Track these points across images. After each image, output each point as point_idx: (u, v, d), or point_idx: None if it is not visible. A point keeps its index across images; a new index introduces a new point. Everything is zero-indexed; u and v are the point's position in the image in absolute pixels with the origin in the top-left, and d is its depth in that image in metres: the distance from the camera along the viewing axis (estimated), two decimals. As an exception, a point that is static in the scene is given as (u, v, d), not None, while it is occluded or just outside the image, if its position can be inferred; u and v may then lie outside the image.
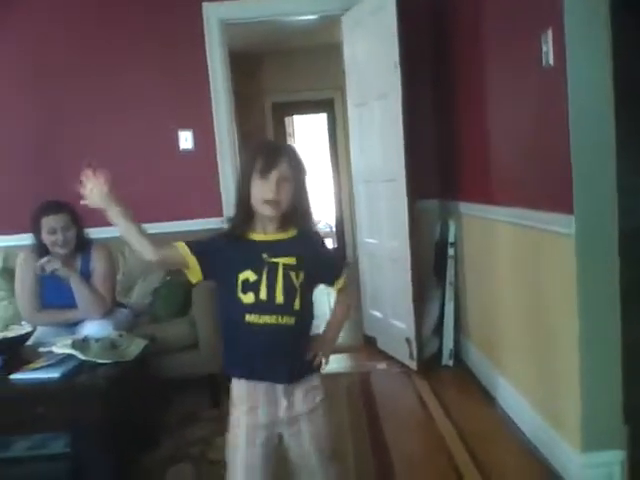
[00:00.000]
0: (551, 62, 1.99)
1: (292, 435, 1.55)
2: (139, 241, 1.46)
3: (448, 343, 3.43)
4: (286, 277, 1.47)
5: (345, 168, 6.83)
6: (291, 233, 1.53)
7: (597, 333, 1.99)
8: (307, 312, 1.53)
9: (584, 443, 2.02)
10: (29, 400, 2.17)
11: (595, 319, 1.98)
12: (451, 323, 3.44)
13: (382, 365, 3.54)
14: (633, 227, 1.93)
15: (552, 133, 2.07)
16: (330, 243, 7.92)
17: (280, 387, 1.51)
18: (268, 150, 1.50)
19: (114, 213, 1.46)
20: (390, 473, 2.31)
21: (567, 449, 2.12)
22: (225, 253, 1.50)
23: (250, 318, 1.47)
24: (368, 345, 3.90)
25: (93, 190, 1.46)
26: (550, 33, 1.98)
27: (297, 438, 1.55)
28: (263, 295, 1.46)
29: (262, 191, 1.45)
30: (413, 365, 3.38)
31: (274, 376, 1.50)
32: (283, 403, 1.52)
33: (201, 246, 1.51)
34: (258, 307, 1.46)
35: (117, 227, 1.48)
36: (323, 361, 1.60)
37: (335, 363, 3.60)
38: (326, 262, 1.60)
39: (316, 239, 1.59)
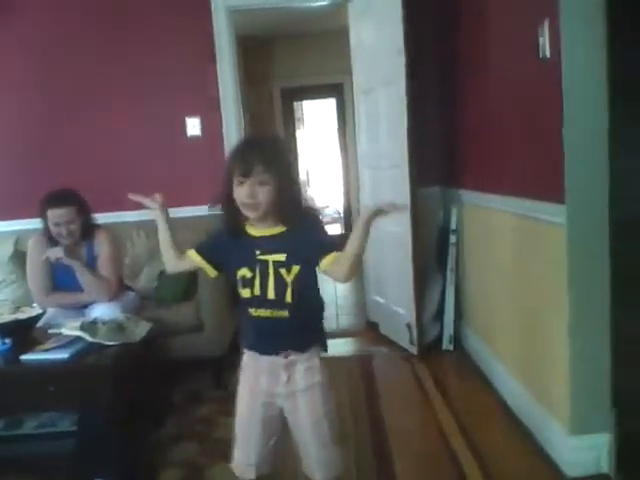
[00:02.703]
0: (547, 54, 2.02)
1: (290, 410, 1.63)
2: (167, 252, 1.69)
3: (448, 328, 3.49)
4: (276, 274, 1.53)
5: (353, 154, 6.84)
6: (282, 228, 1.56)
7: (587, 319, 2.04)
8: (303, 303, 1.57)
9: (573, 426, 2.09)
10: (39, 380, 2.25)
11: (585, 306, 2.04)
12: (451, 309, 3.50)
13: (383, 349, 3.61)
14: (624, 216, 1.96)
15: (546, 124, 2.11)
16: (338, 228, 7.97)
17: (282, 362, 1.59)
18: (243, 154, 1.51)
19: (159, 216, 1.68)
20: (387, 453, 2.38)
21: (557, 432, 2.18)
22: (227, 251, 1.60)
23: (250, 311, 1.58)
24: (370, 330, 3.97)
25: (152, 204, 1.69)
26: (547, 25, 2.01)
27: (294, 414, 1.62)
28: (257, 291, 1.55)
29: (240, 195, 1.49)
30: (414, 350, 3.44)
31: (274, 353, 1.60)
32: (283, 377, 1.60)
33: (209, 248, 1.65)
34: (254, 301, 1.56)
35: (159, 230, 1.71)
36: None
37: (338, 347, 3.69)
38: (317, 240, 1.57)
39: (308, 226, 1.58)
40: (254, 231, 1.57)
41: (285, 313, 1.55)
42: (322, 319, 1.70)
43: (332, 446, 1.64)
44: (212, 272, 1.66)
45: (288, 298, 1.54)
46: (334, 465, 1.64)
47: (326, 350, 1.67)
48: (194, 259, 1.65)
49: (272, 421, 1.64)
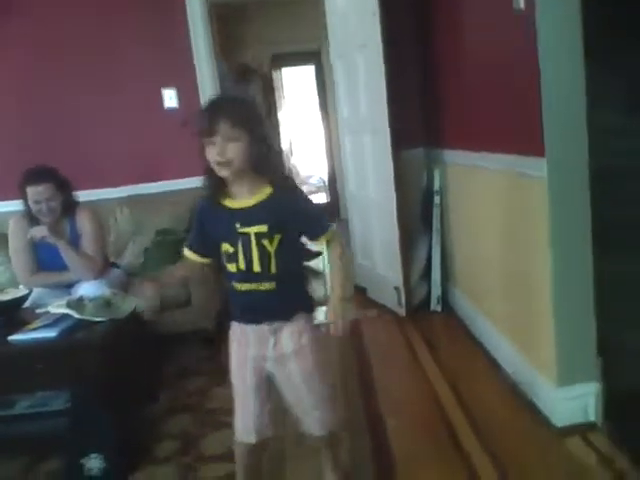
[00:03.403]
0: (522, 6, 1.99)
1: (281, 374, 1.65)
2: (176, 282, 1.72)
3: (436, 289, 3.51)
4: (259, 245, 1.52)
5: (335, 120, 6.79)
6: (265, 193, 1.54)
7: (569, 270, 2.06)
8: (289, 272, 1.59)
9: (559, 377, 2.11)
10: (28, 359, 2.25)
11: (567, 258, 2.05)
12: (438, 270, 3.52)
13: (372, 313, 3.63)
14: (603, 167, 1.97)
15: (523, 78, 2.09)
16: (323, 197, 7.94)
17: (267, 327, 1.61)
18: (208, 111, 1.49)
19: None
20: (377, 413, 2.41)
21: (544, 384, 2.22)
22: (209, 228, 1.59)
23: (236, 285, 1.59)
24: (359, 294, 3.98)
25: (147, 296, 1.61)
26: (519, -24, 1.98)
27: (286, 376, 1.65)
28: (242, 265, 1.55)
29: (211, 154, 1.47)
30: (402, 312, 3.47)
31: (261, 323, 1.62)
32: (271, 340, 1.62)
33: (198, 241, 1.64)
34: (240, 276, 1.56)
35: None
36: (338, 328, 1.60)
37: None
38: (305, 220, 1.60)
39: (293, 196, 1.59)
40: (232, 203, 1.56)
41: (272, 285, 1.56)
42: (307, 285, 1.72)
43: (326, 401, 1.68)
44: (208, 261, 1.66)
45: (273, 269, 1.54)
46: (330, 418, 1.71)
47: (311, 313, 1.69)
48: (192, 259, 1.65)
49: (264, 386, 1.67)
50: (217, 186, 1.55)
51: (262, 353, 1.63)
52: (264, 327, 1.61)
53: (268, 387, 1.67)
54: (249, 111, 1.54)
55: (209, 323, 3.11)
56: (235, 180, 1.52)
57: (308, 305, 1.69)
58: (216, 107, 1.51)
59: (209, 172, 1.53)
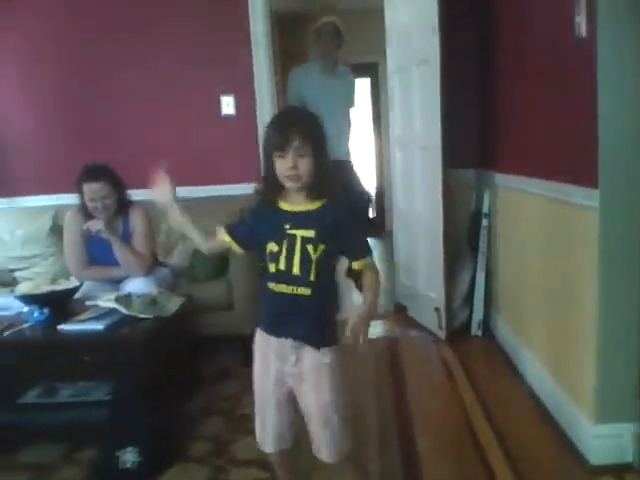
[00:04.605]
0: (583, 33, 1.98)
1: (298, 392, 1.65)
2: (193, 237, 1.75)
3: (478, 314, 3.47)
4: (303, 249, 1.55)
5: (387, 134, 6.77)
6: (318, 203, 1.58)
7: (616, 306, 2.01)
8: (326, 283, 1.60)
9: (597, 415, 2.07)
10: (74, 349, 2.35)
11: (615, 293, 2.00)
12: (481, 294, 3.47)
13: (411, 332, 3.62)
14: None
15: (581, 106, 2.07)
16: (370, 211, 7.91)
17: (289, 343, 1.61)
18: (282, 126, 1.54)
19: (173, 212, 1.74)
20: (409, 432, 2.41)
21: (581, 420, 2.17)
22: (257, 226, 1.64)
23: (271, 286, 1.60)
24: (399, 313, 3.98)
25: (161, 191, 1.74)
26: (583, 3, 1.96)
27: (302, 396, 1.65)
28: (282, 266, 1.57)
29: (282, 167, 1.53)
30: (441, 334, 3.44)
31: (287, 336, 1.62)
32: (291, 358, 1.62)
33: (240, 227, 1.71)
34: (278, 277, 1.58)
35: (174, 222, 1.77)
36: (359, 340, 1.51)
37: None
38: (350, 238, 1.61)
39: (345, 212, 1.62)
40: (287, 206, 1.60)
41: (308, 291, 1.57)
42: (336, 311, 1.71)
43: (338, 428, 1.65)
44: (238, 249, 1.70)
45: (312, 276, 1.56)
46: (339, 446, 1.66)
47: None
48: (221, 237, 1.70)
49: (285, 398, 1.67)
50: (276, 193, 1.61)
51: (282, 368, 1.64)
52: (287, 342, 1.61)
53: (291, 400, 1.67)
54: (317, 128, 1.58)
55: (250, 328, 3.14)
56: (296, 189, 1.57)
57: (335, 336, 1.66)
58: (289, 122, 1.56)
59: (269, 180, 1.59)
